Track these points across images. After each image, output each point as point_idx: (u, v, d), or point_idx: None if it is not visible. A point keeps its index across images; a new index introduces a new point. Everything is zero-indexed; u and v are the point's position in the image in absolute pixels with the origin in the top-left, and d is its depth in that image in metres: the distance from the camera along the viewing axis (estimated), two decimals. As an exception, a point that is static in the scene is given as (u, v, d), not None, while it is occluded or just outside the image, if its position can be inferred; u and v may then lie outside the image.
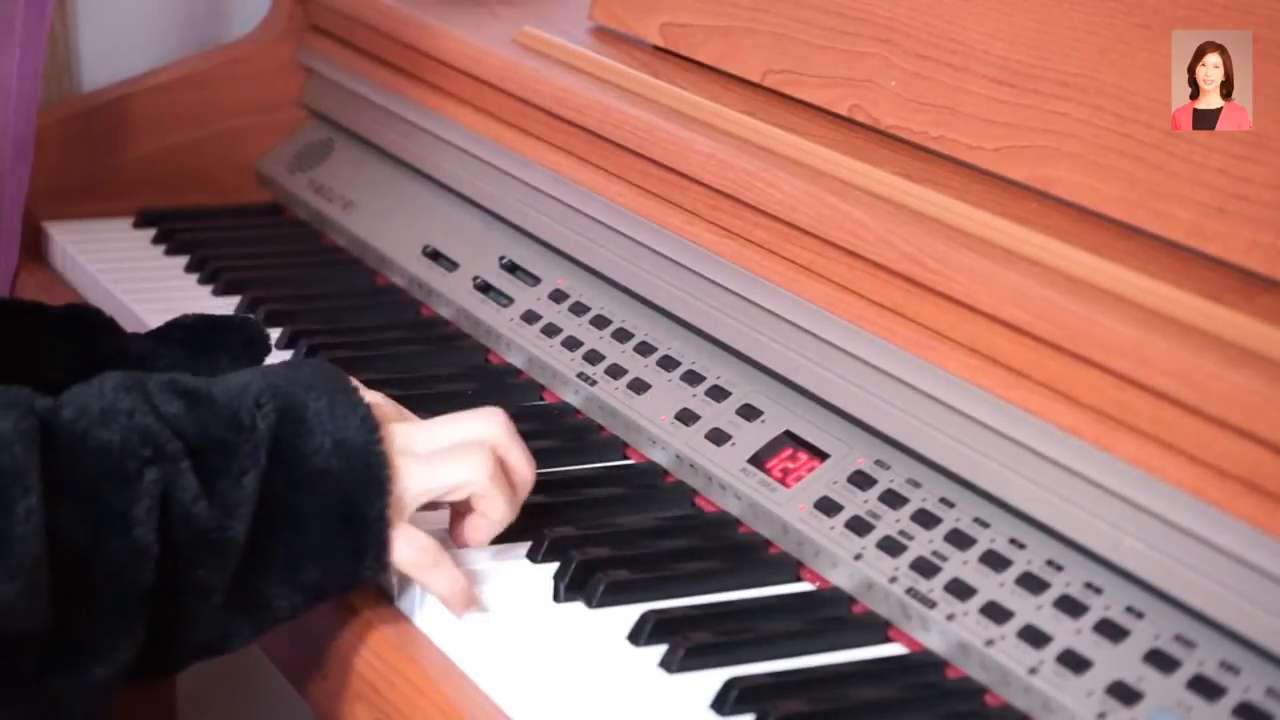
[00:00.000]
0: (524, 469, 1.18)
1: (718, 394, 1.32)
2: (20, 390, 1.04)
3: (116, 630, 1.04)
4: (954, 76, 1.33)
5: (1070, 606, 1.06)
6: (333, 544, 1.10)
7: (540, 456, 1.20)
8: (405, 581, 1.16)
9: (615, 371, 1.39)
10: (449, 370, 1.48)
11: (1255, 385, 1.00)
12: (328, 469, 1.09)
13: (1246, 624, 0.99)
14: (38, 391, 1.06)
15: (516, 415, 1.20)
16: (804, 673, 1.09)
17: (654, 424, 1.33)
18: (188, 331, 1.34)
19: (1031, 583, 1.08)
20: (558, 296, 1.49)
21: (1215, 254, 1.13)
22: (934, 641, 1.10)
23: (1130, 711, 1.00)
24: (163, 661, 1.09)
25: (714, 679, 1.06)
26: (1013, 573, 1.09)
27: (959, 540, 1.13)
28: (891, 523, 1.16)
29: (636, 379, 1.37)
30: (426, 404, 1.24)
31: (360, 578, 1.12)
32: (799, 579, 1.20)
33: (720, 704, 1.05)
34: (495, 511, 1.16)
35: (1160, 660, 1.01)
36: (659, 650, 1.10)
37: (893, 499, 1.17)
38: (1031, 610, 1.07)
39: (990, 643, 1.07)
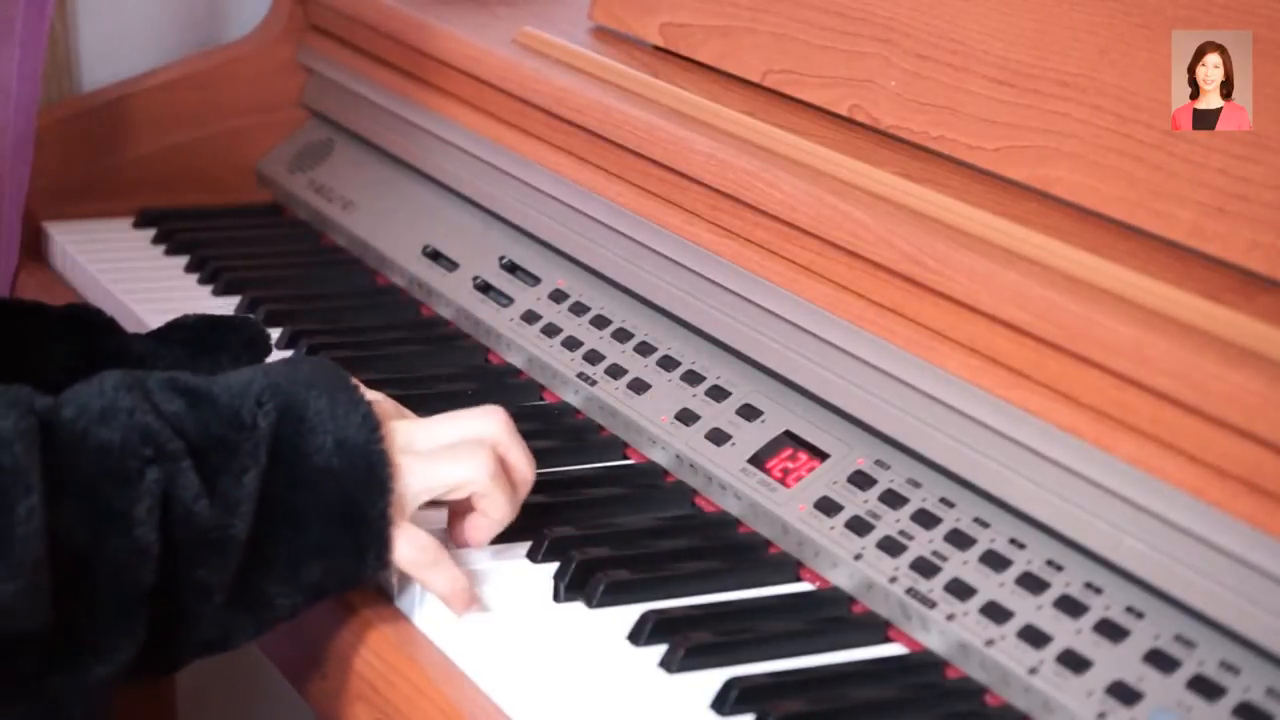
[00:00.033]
0: (524, 468, 1.18)
1: (718, 394, 1.32)
2: (20, 389, 1.04)
3: (117, 630, 1.04)
4: (954, 76, 1.33)
5: (1070, 606, 1.06)
6: (334, 543, 1.10)
7: (540, 456, 1.20)
8: (405, 580, 1.16)
9: (615, 371, 1.39)
10: (449, 370, 1.48)
11: (1255, 385, 1.00)
12: (329, 468, 1.09)
13: (1246, 624, 0.99)
14: (38, 391, 1.06)
15: (516, 415, 1.20)
16: (804, 673, 1.09)
17: (654, 424, 1.33)
18: (189, 331, 1.34)
19: (1031, 583, 1.08)
20: (558, 296, 1.49)
21: (1215, 254, 1.13)
22: (934, 641, 1.10)
23: (1130, 711, 1.00)
24: (164, 660, 1.09)
25: (714, 679, 1.06)
26: (1013, 573, 1.09)
27: (959, 540, 1.13)
28: (891, 523, 1.16)
29: (636, 379, 1.37)
30: (426, 404, 1.24)
31: (361, 576, 1.12)
32: (799, 579, 1.20)
33: (720, 704, 1.05)
34: (496, 510, 1.16)
35: (1160, 660, 1.01)
36: (659, 650, 1.10)
37: (893, 499, 1.17)
38: (1031, 610, 1.07)
39: (990, 643, 1.07)
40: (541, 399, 1.44)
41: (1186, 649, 1.01)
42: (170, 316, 1.36)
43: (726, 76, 1.52)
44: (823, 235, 1.26)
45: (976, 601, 1.09)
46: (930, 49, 1.36)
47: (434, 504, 1.16)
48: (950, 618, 1.09)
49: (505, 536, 1.18)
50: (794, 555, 1.20)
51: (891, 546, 1.15)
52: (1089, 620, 1.05)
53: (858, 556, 1.16)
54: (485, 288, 1.55)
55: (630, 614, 1.13)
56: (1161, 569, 1.03)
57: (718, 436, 1.29)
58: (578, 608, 1.15)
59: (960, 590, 1.10)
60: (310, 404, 1.10)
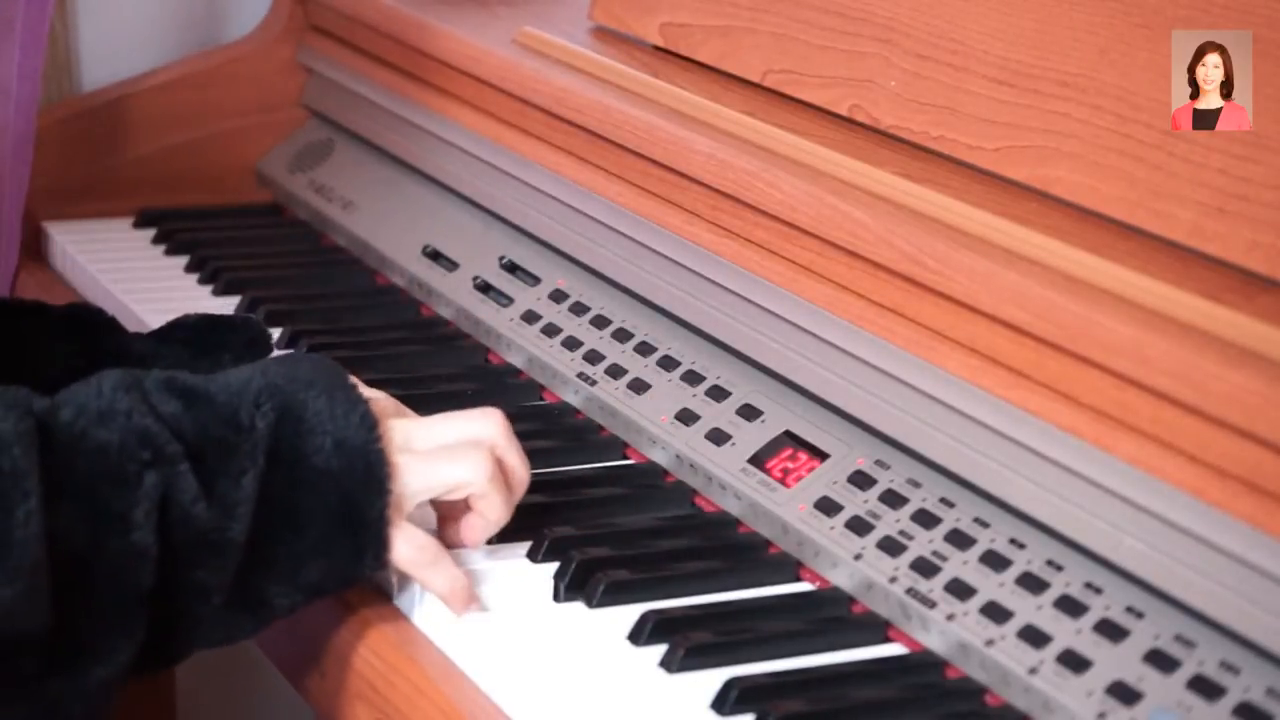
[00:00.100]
0: (520, 470, 1.18)
1: (718, 394, 1.32)
2: (18, 390, 1.04)
3: (116, 631, 1.04)
4: (954, 76, 1.33)
5: (1070, 606, 1.06)
6: (333, 543, 1.09)
7: (540, 456, 1.20)
8: (404, 580, 1.16)
9: (615, 371, 1.39)
10: (449, 370, 1.48)
11: (1255, 385, 1.00)
12: (328, 469, 1.09)
13: (1246, 624, 0.99)
14: (39, 391, 1.06)
15: (516, 415, 1.20)
16: (804, 673, 1.09)
17: (654, 424, 1.33)
18: (189, 331, 1.34)
19: (1031, 583, 1.08)
20: (558, 296, 1.49)
21: (1215, 254, 1.13)
22: (934, 641, 1.10)
23: (1130, 711, 1.00)
24: (163, 659, 1.09)
25: (714, 679, 1.06)
26: (1013, 573, 1.09)
27: (959, 540, 1.13)
28: (891, 523, 1.16)
29: (636, 379, 1.37)
30: (426, 404, 1.23)
31: (360, 576, 1.12)
32: (799, 579, 1.20)
33: (720, 704, 1.05)
34: (493, 512, 1.16)
35: (1160, 660, 1.01)
36: (659, 650, 1.10)
37: (893, 499, 1.17)
38: (1031, 610, 1.07)
39: (990, 643, 1.07)
40: (541, 399, 1.44)
41: (1186, 649, 1.01)
42: (170, 316, 1.36)
43: (726, 76, 1.52)
44: (823, 235, 1.26)
45: (976, 601, 1.09)
46: (930, 49, 1.36)
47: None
48: (950, 618, 1.09)
49: (505, 536, 1.18)
50: (794, 555, 1.20)
51: (891, 546, 1.15)
52: (1089, 620, 1.05)
53: (858, 556, 1.15)
54: (485, 288, 1.55)
55: (630, 614, 1.13)
56: (1161, 569, 1.03)
57: (718, 436, 1.29)
58: (578, 608, 1.15)
59: (960, 590, 1.10)
60: (309, 404, 1.10)
